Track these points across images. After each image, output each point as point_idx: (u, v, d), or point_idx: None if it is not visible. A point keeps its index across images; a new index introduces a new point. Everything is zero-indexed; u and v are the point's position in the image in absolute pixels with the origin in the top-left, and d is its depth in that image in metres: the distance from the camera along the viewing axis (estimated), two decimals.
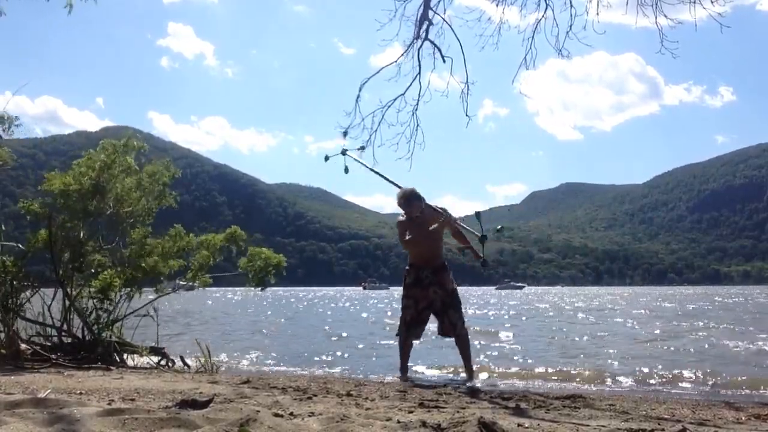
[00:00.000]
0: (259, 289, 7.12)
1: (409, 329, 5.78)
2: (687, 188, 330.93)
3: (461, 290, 6.05)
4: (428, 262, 5.75)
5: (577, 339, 10.66)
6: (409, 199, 5.81)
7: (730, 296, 45.58)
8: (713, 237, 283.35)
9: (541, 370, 6.70)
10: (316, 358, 7.97)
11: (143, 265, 6.65)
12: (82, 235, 6.56)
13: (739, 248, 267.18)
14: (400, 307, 5.89)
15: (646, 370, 6.61)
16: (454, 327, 5.68)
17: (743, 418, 3.56)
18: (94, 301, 6.47)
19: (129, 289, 6.65)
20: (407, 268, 5.85)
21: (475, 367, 6.04)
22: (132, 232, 6.82)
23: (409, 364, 5.96)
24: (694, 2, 4.97)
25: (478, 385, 5.57)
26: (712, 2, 4.89)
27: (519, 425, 2.84)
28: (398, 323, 5.93)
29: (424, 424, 2.71)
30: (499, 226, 6.51)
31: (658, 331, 12.17)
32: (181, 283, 6.92)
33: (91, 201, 6.49)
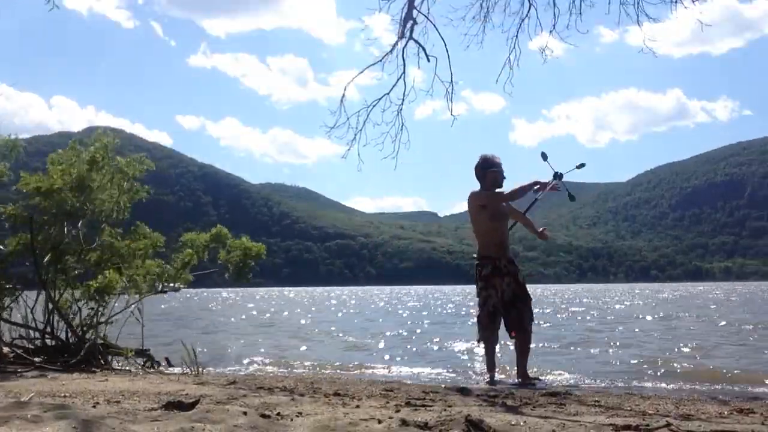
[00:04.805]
0: (245, 281, 7.03)
1: (494, 320, 5.45)
2: (669, 186, 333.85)
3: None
4: (504, 252, 5.54)
5: None
6: (483, 167, 5.60)
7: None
8: (695, 234, 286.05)
9: None
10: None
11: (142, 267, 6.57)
12: (64, 235, 6.47)
13: (721, 245, 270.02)
14: (479, 302, 5.53)
15: None
16: (521, 321, 5.43)
17: (726, 412, 3.60)
18: (80, 303, 6.40)
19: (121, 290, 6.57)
20: (481, 261, 5.53)
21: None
22: (102, 232, 6.71)
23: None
24: (675, 2, 5.05)
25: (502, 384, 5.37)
26: (693, 1, 4.97)
27: (506, 422, 2.85)
28: (476, 324, 5.58)
29: (411, 423, 2.72)
30: (577, 164, 5.74)
31: None
32: (166, 283, 6.84)
33: (75, 199, 6.38)
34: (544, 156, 5.49)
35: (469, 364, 7.05)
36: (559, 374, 6.11)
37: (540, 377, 5.74)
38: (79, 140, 6.86)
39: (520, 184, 5.51)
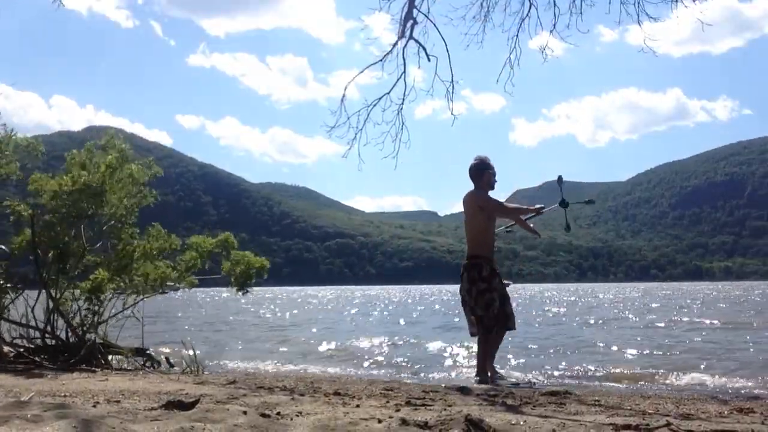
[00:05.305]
0: (242, 292, 7.02)
1: (499, 321, 5.49)
2: (669, 185, 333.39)
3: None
4: (493, 254, 5.68)
5: None
6: (479, 168, 5.70)
7: None
8: (695, 233, 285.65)
9: None
10: None
11: (144, 270, 6.58)
12: (71, 236, 6.47)
13: (721, 244, 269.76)
14: (480, 303, 5.45)
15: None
16: (508, 318, 5.52)
17: (726, 411, 3.60)
18: (80, 302, 6.40)
19: (120, 290, 6.58)
20: (482, 261, 5.54)
21: None
22: (121, 231, 6.72)
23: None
24: (676, 1, 5.04)
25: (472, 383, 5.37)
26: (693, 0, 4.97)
27: (506, 422, 2.85)
28: (481, 323, 5.48)
29: (411, 422, 2.72)
30: (586, 199, 6.63)
31: None
32: (169, 284, 6.84)
33: (87, 203, 6.38)
34: (560, 180, 5.79)
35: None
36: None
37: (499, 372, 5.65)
38: (95, 143, 6.86)
39: (525, 206, 5.90)
